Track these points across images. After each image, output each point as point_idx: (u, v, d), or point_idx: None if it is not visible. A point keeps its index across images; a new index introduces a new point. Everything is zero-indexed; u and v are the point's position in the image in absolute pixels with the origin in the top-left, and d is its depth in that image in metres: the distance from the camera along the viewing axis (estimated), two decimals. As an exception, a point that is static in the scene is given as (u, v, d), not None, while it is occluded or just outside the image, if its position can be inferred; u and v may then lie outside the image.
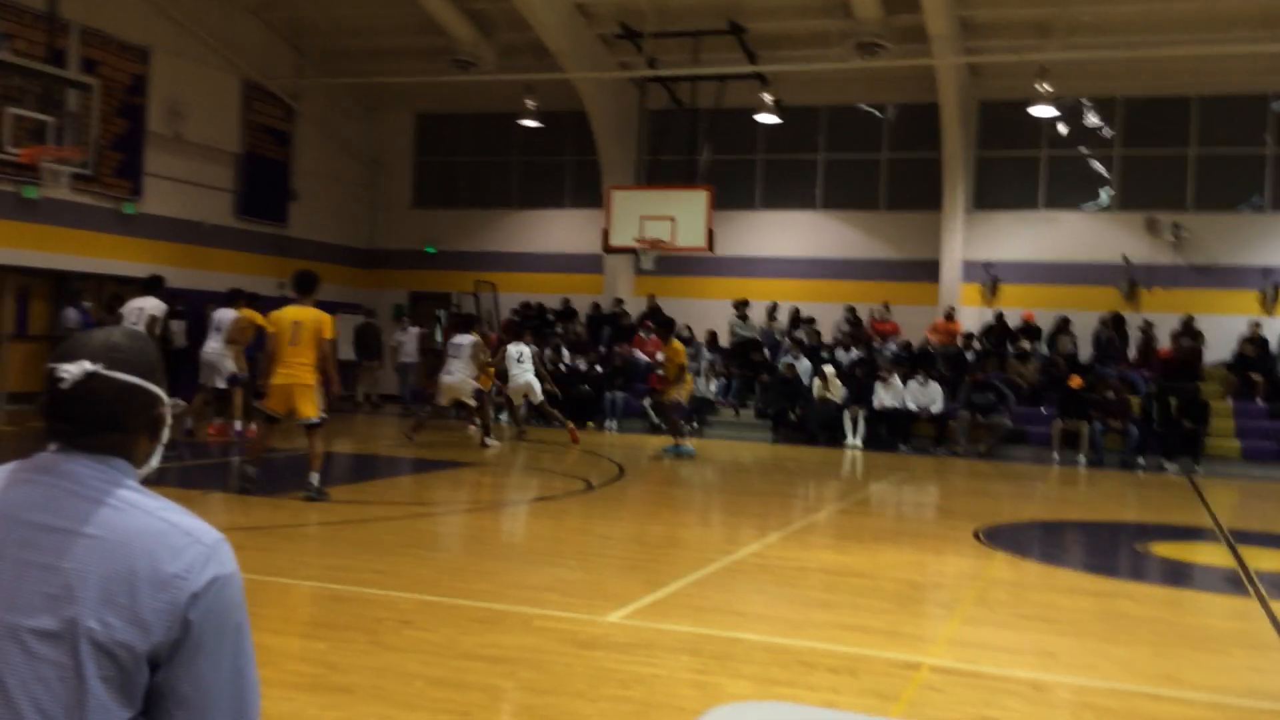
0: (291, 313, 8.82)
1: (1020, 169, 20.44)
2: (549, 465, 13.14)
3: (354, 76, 21.87)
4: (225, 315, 13.64)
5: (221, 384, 13.58)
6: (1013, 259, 20.08)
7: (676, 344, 14.45)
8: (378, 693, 4.28)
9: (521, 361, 15.45)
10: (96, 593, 1.59)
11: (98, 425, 1.71)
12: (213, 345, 13.59)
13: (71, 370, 1.69)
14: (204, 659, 1.64)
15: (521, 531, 7.45)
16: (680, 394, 14.43)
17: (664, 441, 14.93)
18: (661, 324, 14.97)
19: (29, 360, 16.61)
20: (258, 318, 12.93)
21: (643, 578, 6.70)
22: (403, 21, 20.43)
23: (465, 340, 14.17)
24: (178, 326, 18.35)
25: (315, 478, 8.75)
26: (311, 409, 8.80)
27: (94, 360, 1.70)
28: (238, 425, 13.62)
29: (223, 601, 1.66)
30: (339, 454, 12.90)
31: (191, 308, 18.72)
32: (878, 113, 21.16)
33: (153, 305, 12.66)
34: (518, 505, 9.85)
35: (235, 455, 12.23)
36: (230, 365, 13.54)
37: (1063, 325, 19.02)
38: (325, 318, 8.85)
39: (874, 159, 21.23)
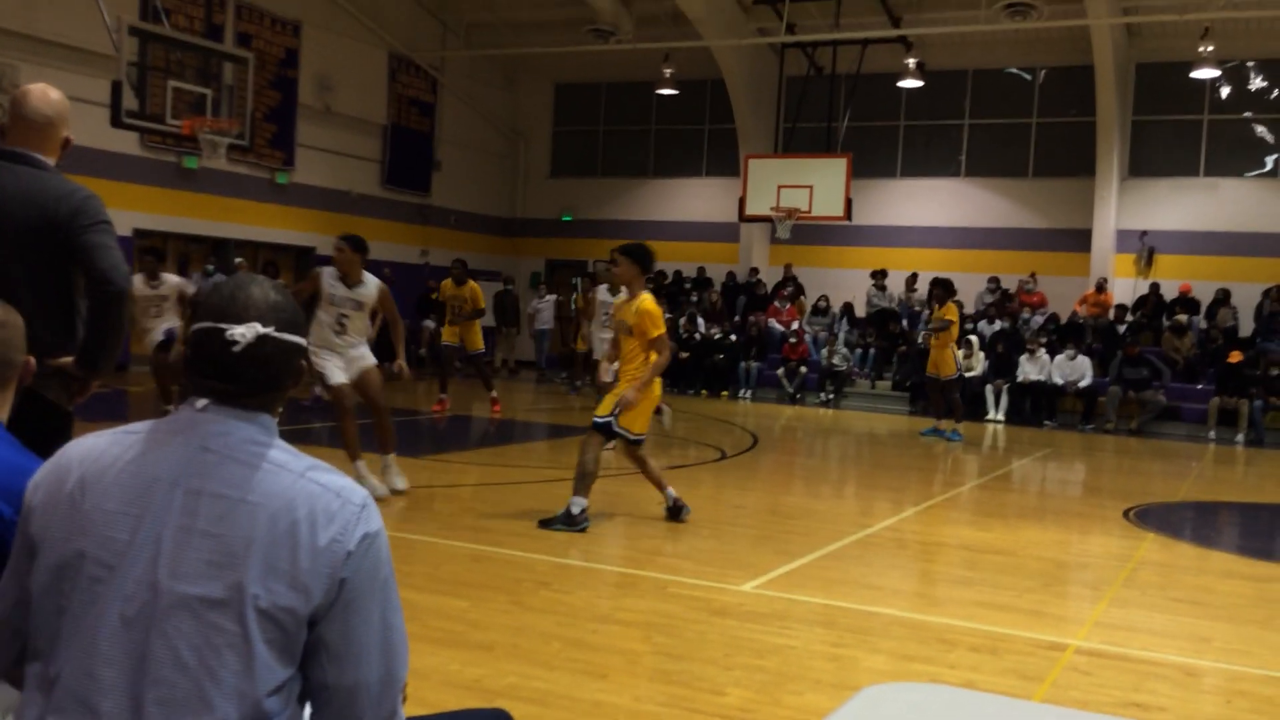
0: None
1: (1180, 134, 19.49)
2: (683, 434, 13.18)
3: (495, 48, 22.18)
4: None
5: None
6: (1170, 228, 19.19)
7: (951, 306, 13.22)
8: (516, 651, 4.37)
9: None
10: (258, 559, 1.61)
11: (262, 385, 1.73)
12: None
13: (244, 333, 1.69)
14: (355, 614, 1.67)
15: (655, 498, 7.49)
16: (947, 367, 13.11)
17: (803, 415, 14.74)
18: (938, 284, 13.66)
19: (186, 323, 17.43)
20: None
21: (776, 548, 6.67)
22: (544, -8, 20.61)
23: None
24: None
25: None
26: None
27: (264, 322, 1.71)
28: None
29: (372, 558, 1.69)
30: (477, 418, 13.18)
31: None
32: (1027, 76, 20.41)
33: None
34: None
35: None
36: None
37: (1223, 298, 18.11)
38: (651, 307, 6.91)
39: (1023, 124, 20.53)
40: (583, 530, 6.72)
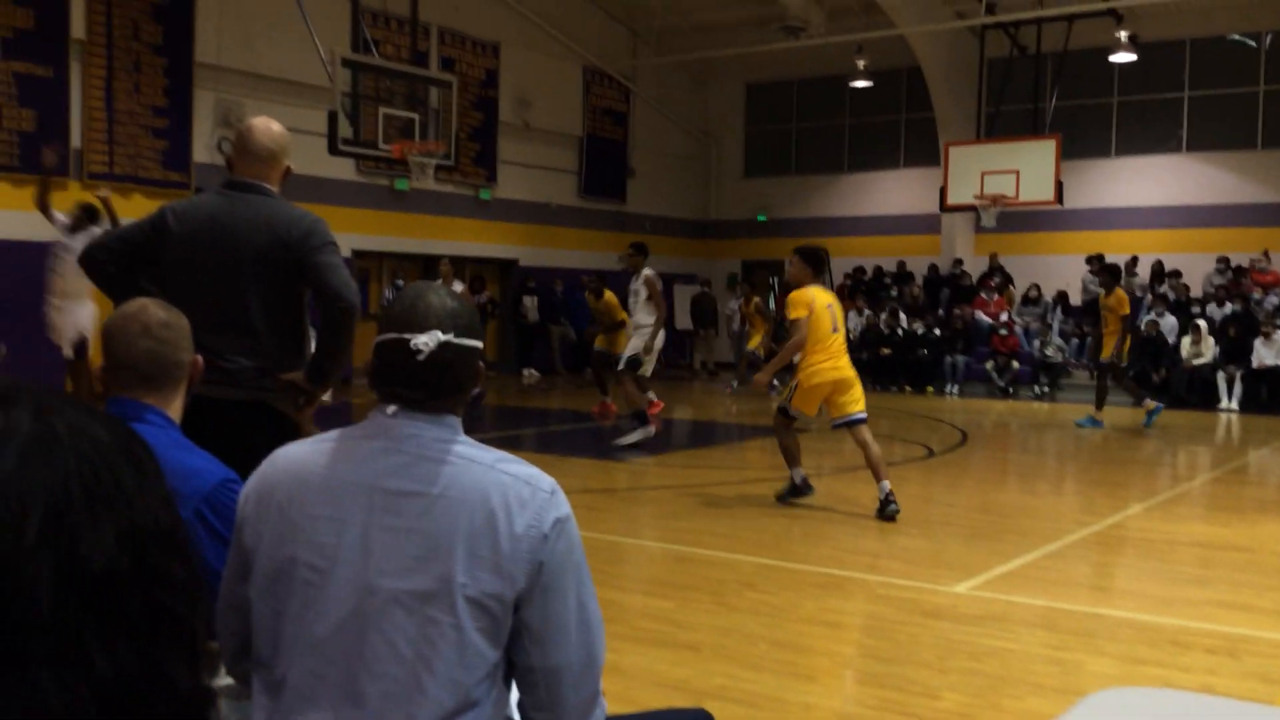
0: (822, 295, 7.50)
1: None
2: (887, 431, 12.89)
3: (685, 53, 22.30)
4: None
5: None
6: None
7: (1120, 293, 12.89)
8: (723, 652, 4.36)
9: None
10: (462, 550, 1.68)
11: (446, 390, 1.79)
12: None
13: (427, 341, 1.76)
14: (553, 597, 1.72)
15: (859, 498, 7.34)
16: (1120, 353, 12.93)
17: (1016, 410, 14.10)
18: (1104, 269, 13.64)
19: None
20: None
21: (991, 548, 6.42)
22: (732, -7, 20.59)
23: None
24: (530, 302, 19.61)
25: (887, 485, 7.19)
26: (861, 401, 7.45)
27: (444, 329, 1.77)
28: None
29: (566, 542, 1.74)
30: (678, 420, 13.28)
31: (541, 285, 19.92)
32: (1251, 42, 19.01)
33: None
34: (855, 471, 9.75)
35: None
36: None
37: None
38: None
39: (1249, 93, 19.11)
40: (810, 494, 7.54)
